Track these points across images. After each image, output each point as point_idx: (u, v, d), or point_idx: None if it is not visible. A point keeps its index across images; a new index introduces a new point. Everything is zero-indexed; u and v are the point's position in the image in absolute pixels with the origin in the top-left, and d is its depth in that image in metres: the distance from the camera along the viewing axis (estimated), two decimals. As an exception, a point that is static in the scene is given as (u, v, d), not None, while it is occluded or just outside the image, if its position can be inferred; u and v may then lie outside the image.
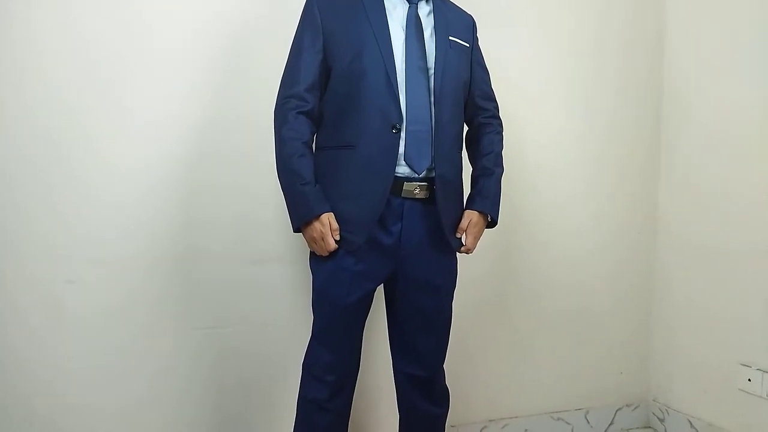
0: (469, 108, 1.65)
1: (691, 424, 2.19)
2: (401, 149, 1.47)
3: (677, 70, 2.29)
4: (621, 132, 2.29)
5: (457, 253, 1.62)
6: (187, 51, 1.74)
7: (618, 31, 2.27)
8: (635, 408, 2.35)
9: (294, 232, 1.49)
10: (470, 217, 1.59)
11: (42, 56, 1.61)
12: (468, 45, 1.61)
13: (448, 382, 1.69)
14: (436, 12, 1.56)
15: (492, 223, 1.65)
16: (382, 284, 1.59)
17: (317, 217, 1.43)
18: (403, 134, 1.46)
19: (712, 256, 2.14)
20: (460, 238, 1.60)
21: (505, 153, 1.68)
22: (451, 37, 1.56)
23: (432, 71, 1.51)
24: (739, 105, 2.05)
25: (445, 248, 1.57)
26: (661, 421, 2.31)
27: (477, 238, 1.61)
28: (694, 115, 2.22)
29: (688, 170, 2.24)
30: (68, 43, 1.63)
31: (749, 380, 2.00)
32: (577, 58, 2.22)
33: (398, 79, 1.46)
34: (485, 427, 2.13)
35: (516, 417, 2.18)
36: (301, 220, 1.45)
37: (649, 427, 2.36)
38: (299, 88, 1.47)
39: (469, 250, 1.61)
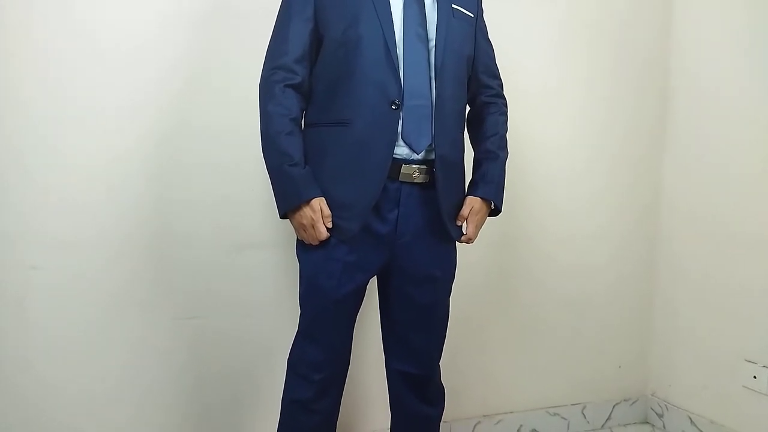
0: (471, 85, 1.52)
1: (691, 420, 2.11)
2: (399, 127, 1.34)
3: (686, 77, 2.20)
4: (636, 131, 2.22)
5: (456, 243, 1.50)
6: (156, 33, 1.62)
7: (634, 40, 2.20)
8: (633, 403, 2.27)
9: (280, 218, 1.36)
10: (472, 204, 1.47)
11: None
12: (472, 15, 1.48)
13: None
14: None
15: (495, 211, 1.53)
16: (375, 276, 1.47)
17: (307, 202, 1.31)
18: (401, 110, 1.33)
19: (717, 247, 2.05)
20: (461, 227, 1.48)
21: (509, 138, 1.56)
22: (454, 5, 1.42)
23: (433, 42, 1.37)
24: (746, 111, 1.97)
25: (444, 237, 1.45)
26: (660, 416, 2.24)
27: (479, 227, 1.49)
28: (698, 125, 2.14)
29: (693, 151, 2.15)
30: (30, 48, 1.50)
31: (754, 377, 1.93)
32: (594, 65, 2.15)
33: (397, 50, 1.33)
34: (479, 422, 2.05)
35: (511, 412, 2.10)
36: (288, 205, 1.32)
37: (647, 422, 2.28)
38: (287, 58, 1.34)
39: (470, 239, 1.49)
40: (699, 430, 2.08)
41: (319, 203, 1.31)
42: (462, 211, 1.46)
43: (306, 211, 1.31)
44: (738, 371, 1.97)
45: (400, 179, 1.36)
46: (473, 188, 1.49)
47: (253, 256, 1.72)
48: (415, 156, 1.36)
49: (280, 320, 1.70)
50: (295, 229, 1.36)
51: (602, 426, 2.22)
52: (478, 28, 1.50)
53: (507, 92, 1.60)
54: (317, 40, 1.37)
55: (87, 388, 1.60)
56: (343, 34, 1.33)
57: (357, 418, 1.88)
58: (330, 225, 1.33)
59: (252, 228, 1.71)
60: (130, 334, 1.63)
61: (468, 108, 1.56)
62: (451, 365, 1.75)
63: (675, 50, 2.22)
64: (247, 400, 1.76)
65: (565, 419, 2.17)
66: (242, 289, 1.72)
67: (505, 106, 1.58)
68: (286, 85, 1.33)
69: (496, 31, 1.59)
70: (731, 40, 2.02)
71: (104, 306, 1.60)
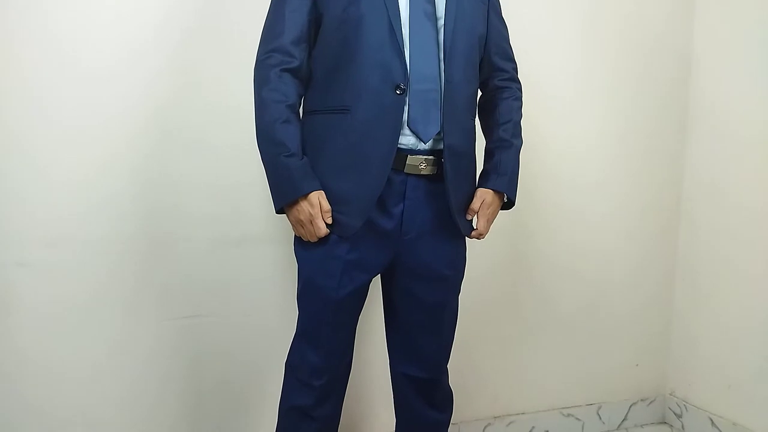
0: (483, 68, 1.42)
1: (712, 422, 2.01)
2: (405, 114, 1.23)
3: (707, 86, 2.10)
4: (644, 121, 2.10)
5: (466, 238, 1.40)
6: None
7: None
8: (650, 402, 2.17)
9: (276, 213, 1.27)
10: (483, 196, 1.36)
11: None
12: (485, -9, 1.37)
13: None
14: None
15: (508, 204, 1.43)
16: (378, 275, 1.38)
17: (305, 196, 1.21)
18: (407, 96, 1.23)
19: (741, 243, 1.94)
20: (471, 221, 1.38)
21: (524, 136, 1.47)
22: (465, -20, 1.31)
23: (442, 21, 1.27)
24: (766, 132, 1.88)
25: (453, 233, 1.35)
26: (679, 417, 2.14)
27: (491, 221, 1.39)
28: (721, 128, 2.04)
29: (713, 159, 2.05)
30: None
31: (781, 378, 1.83)
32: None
33: (403, 29, 1.22)
34: (489, 424, 1.96)
35: (522, 413, 2.01)
36: (285, 199, 1.23)
37: (666, 423, 2.19)
38: (283, 40, 1.24)
39: (482, 234, 1.39)
40: (720, 432, 1.99)
41: (318, 197, 1.22)
42: (472, 204, 1.36)
43: (303, 205, 1.21)
44: (763, 371, 1.87)
45: (405, 171, 1.26)
46: (485, 180, 1.39)
47: (251, 252, 1.64)
48: (422, 145, 1.26)
49: (282, 317, 1.62)
50: (292, 225, 1.27)
51: (618, 427, 2.13)
52: (490, 5, 1.39)
53: (525, 94, 1.50)
54: (316, 19, 1.26)
55: (76, 390, 1.52)
56: (344, 12, 1.22)
57: (360, 424, 1.80)
58: (330, 221, 1.24)
59: (249, 223, 1.63)
60: (123, 334, 1.56)
61: (479, 93, 1.45)
62: (460, 365, 1.67)
63: (697, 69, 2.11)
64: (246, 402, 1.69)
65: (579, 420, 2.08)
66: (240, 287, 1.64)
67: (520, 90, 1.47)
68: (283, 70, 1.23)
69: (514, 27, 1.49)
70: (754, 61, 1.92)
71: (95, 305, 1.52)
